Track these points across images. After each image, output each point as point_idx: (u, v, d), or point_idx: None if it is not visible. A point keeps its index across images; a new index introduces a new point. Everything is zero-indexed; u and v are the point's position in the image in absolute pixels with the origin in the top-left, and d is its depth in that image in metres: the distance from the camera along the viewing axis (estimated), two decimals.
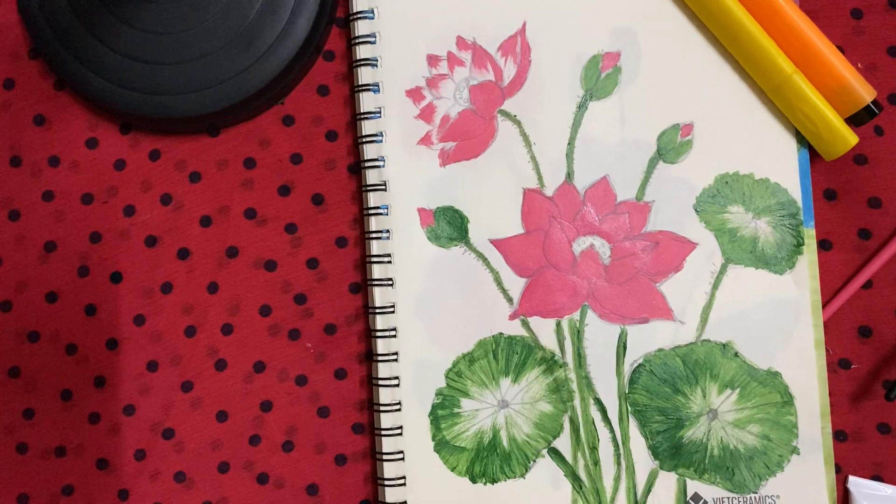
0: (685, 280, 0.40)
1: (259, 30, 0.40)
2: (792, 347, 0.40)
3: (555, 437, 0.40)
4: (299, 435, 0.42)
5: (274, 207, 0.42)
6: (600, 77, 0.41)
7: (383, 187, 0.41)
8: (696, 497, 0.40)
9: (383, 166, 0.41)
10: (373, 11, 0.41)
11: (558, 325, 0.40)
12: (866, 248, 0.41)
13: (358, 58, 0.41)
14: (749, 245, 0.40)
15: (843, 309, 0.41)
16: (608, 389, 0.40)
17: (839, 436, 0.40)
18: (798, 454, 0.39)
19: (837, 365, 0.41)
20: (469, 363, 0.40)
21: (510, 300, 0.41)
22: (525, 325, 0.40)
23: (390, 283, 0.41)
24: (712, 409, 0.40)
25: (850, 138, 0.39)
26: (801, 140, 0.41)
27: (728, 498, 0.40)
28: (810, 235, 0.40)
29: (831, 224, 0.41)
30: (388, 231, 0.41)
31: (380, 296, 0.41)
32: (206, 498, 0.42)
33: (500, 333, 0.40)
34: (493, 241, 0.41)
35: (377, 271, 0.41)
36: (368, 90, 0.41)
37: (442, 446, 0.40)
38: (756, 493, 0.40)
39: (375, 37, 0.41)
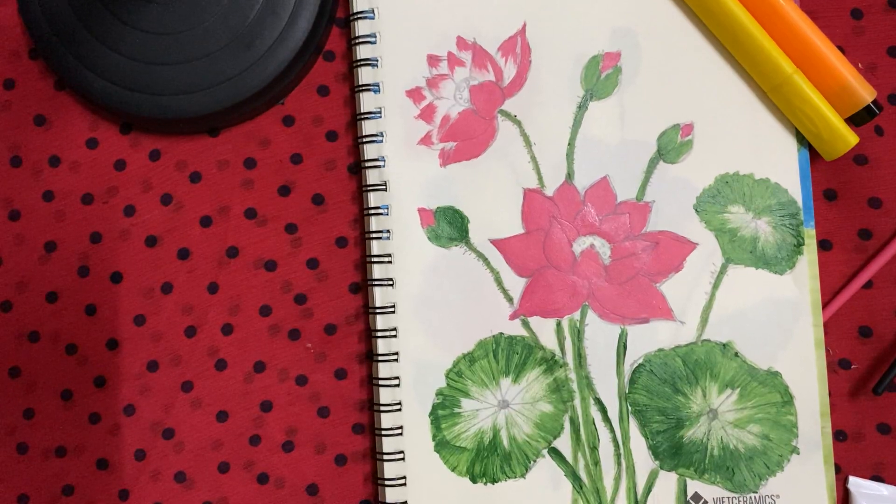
0: (685, 280, 0.40)
1: (259, 30, 0.40)
2: (792, 347, 0.40)
3: (555, 437, 0.40)
4: (299, 435, 0.42)
5: (274, 207, 0.42)
6: (600, 77, 0.41)
7: (383, 187, 0.41)
8: (697, 497, 0.40)
9: (383, 166, 0.41)
10: (373, 11, 0.41)
11: (558, 325, 0.40)
12: (866, 248, 0.41)
13: (358, 58, 0.41)
14: (749, 245, 0.40)
15: (844, 309, 0.41)
16: (608, 389, 0.40)
17: (839, 436, 0.40)
18: (798, 454, 0.39)
19: (837, 365, 0.41)
20: (469, 363, 0.40)
21: (510, 300, 0.41)
22: (525, 325, 0.40)
23: (390, 283, 0.41)
24: (712, 409, 0.40)
25: (851, 138, 0.39)
26: (801, 140, 0.41)
27: (728, 498, 0.40)
28: (810, 235, 0.40)
29: (831, 224, 0.41)
30: (388, 231, 0.41)
31: (380, 296, 0.41)
32: (206, 498, 0.42)
33: (501, 333, 0.40)
34: (493, 241, 0.41)
35: (377, 271, 0.41)
36: (369, 90, 0.41)
37: (442, 446, 0.40)
38: (756, 492, 0.40)
39: (376, 37, 0.41)
